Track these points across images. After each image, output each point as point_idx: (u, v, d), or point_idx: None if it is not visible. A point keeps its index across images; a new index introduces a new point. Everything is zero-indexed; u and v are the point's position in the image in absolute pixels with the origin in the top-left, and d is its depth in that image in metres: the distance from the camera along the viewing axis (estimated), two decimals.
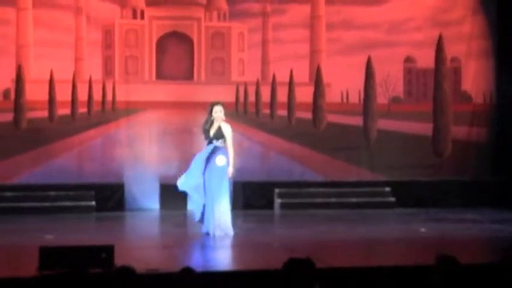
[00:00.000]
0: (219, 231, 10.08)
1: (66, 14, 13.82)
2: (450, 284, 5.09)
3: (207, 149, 10.28)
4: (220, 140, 10.23)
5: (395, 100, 14.90)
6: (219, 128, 10.25)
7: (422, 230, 10.82)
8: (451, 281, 5.12)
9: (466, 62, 14.95)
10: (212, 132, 10.26)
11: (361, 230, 11.15)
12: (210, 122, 10.29)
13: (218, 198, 10.12)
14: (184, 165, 13.17)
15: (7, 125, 13.50)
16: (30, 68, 13.65)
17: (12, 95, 13.53)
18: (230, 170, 10.20)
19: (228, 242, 9.88)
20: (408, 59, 14.94)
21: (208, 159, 10.21)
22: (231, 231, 10.18)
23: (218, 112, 10.27)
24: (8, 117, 13.51)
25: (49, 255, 6.96)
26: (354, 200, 13.86)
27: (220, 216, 10.12)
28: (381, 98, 14.65)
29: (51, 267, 6.82)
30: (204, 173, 10.20)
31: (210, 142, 10.28)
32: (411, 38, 14.79)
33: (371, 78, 14.49)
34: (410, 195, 13.96)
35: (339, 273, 7.06)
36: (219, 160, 10.19)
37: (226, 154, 10.23)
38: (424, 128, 14.63)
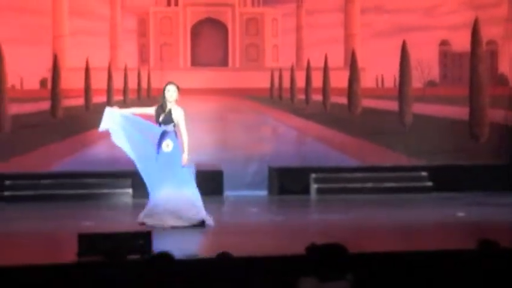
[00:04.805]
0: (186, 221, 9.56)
1: (101, 2, 13.88)
2: (492, 268, 5.06)
3: (157, 130, 9.69)
4: (170, 125, 9.65)
5: (430, 84, 14.79)
6: (169, 112, 9.65)
7: (461, 214, 10.74)
8: (493, 265, 5.08)
9: (502, 44, 14.79)
10: (162, 116, 9.65)
11: (399, 215, 11.09)
12: (163, 104, 9.70)
13: (181, 186, 9.56)
14: (217, 151, 13.31)
15: (44, 114, 13.63)
16: (66, 56, 13.74)
17: (49, 84, 13.65)
18: (185, 157, 9.57)
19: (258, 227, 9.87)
20: (443, 43, 14.81)
21: (158, 144, 9.68)
22: (210, 221, 9.64)
23: (171, 91, 9.70)
24: (45, 105, 13.64)
25: (88, 241, 7.01)
26: (390, 184, 13.78)
27: (190, 206, 9.57)
28: (416, 82, 14.55)
29: (89, 254, 6.88)
30: (156, 159, 9.67)
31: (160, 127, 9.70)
32: (446, 21, 14.64)
33: (406, 62, 14.39)
34: (447, 180, 13.86)
35: (375, 259, 7.00)
36: (165, 146, 9.65)
37: (175, 139, 9.68)
38: (460, 112, 14.50)
